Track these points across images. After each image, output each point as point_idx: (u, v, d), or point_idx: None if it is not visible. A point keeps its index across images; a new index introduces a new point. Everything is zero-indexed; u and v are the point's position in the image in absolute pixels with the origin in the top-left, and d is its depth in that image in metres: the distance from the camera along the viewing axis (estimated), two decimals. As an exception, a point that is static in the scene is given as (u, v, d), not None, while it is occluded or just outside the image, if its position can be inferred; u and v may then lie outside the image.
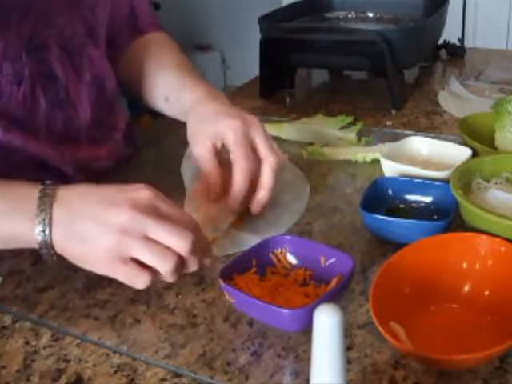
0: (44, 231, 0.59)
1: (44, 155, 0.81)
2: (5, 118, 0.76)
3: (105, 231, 0.58)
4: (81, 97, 0.85)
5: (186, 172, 0.87)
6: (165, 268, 0.58)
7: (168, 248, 0.58)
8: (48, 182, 0.63)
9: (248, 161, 0.72)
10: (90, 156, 0.88)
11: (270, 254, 0.65)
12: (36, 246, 0.60)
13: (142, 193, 0.60)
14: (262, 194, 0.73)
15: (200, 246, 0.61)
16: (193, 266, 0.61)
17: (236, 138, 0.72)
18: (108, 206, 0.59)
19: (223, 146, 0.74)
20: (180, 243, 0.58)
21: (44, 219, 0.59)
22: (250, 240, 0.70)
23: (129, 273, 0.59)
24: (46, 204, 0.60)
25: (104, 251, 0.58)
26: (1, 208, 0.62)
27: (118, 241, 0.58)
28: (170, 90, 0.87)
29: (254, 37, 1.27)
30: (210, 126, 0.74)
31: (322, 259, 0.63)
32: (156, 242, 0.58)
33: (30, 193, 0.61)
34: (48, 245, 0.60)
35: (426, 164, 0.83)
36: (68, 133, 0.84)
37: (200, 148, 0.74)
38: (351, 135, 0.99)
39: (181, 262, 0.60)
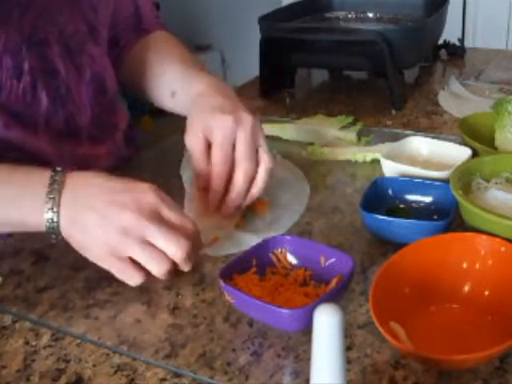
0: (52, 218, 0.62)
1: (43, 153, 0.81)
2: (5, 113, 0.76)
3: (106, 228, 0.61)
4: (81, 94, 0.85)
5: (186, 173, 0.87)
6: (158, 271, 0.62)
7: (164, 253, 0.61)
8: (58, 168, 0.65)
9: (225, 166, 0.72)
10: (90, 155, 0.88)
11: (270, 254, 0.65)
12: (43, 230, 0.63)
13: (148, 196, 0.62)
14: (229, 197, 0.73)
15: (196, 250, 0.64)
16: (185, 268, 0.65)
17: (220, 140, 0.72)
18: (113, 203, 0.61)
19: None
20: (176, 252, 0.61)
21: (53, 206, 0.62)
22: (249, 240, 0.70)
23: (124, 270, 0.62)
24: (55, 191, 0.62)
25: (102, 246, 0.61)
26: (11, 192, 0.65)
27: (118, 240, 0.60)
28: (176, 84, 0.87)
29: (254, 37, 1.26)
30: (204, 120, 0.74)
31: (322, 259, 0.63)
32: (153, 246, 0.61)
33: (39, 179, 0.64)
34: (56, 230, 0.63)
35: (426, 164, 0.83)
36: (68, 130, 0.84)
37: (192, 138, 0.74)
38: (351, 135, 0.99)
39: (174, 266, 0.63)
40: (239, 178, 0.72)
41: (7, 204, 0.65)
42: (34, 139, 0.80)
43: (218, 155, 0.72)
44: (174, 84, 0.88)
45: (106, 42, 0.93)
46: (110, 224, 0.60)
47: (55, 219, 0.62)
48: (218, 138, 0.72)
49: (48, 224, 0.62)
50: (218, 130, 0.72)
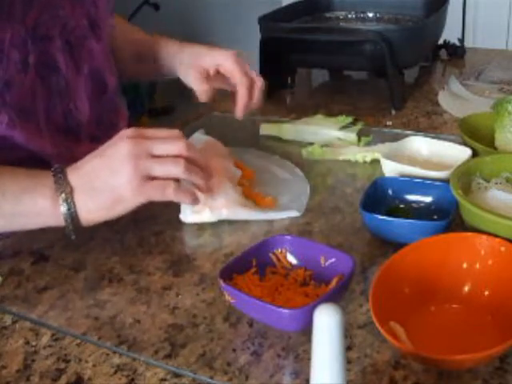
0: (67, 200, 0.66)
1: (44, 152, 0.81)
2: (11, 110, 0.77)
3: (120, 167, 0.66)
4: (79, 89, 0.86)
5: None
6: (178, 170, 0.67)
7: (172, 156, 0.68)
8: (56, 165, 0.69)
9: (247, 77, 0.88)
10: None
11: (270, 254, 0.65)
12: (60, 221, 0.67)
13: (124, 131, 0.69)
14: (251, 102, 0.89)
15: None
16: (197, 173, 0.70)
17: (234, 62, 0.88)
18: (107, 152, 0.68)
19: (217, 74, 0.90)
20: (178, 147, 0.68)
21: (64, 190, 0.66)
22: (253, 215, 0.77)
23: (157, 186, 0.67)
24: (61, 178, 0.67)
25: (128, 181, 0.66)
26: (23, 185, 0.68)
27: (134, 166, 0.66)
28: (141, 48, 1.00)
29: (254, 37, 1.26)
30: (206, 59, 0.90)
31: (322, 259, 0.63)
32: (161, 156, 0.67)
33: (43, 173, 0.68)
34: (72, 213, 0.66)
35: (426, 164, 0.83)
36: (68, 127, 0.84)
37: (194, 74, 0.89)
38: (351, 135, 0.99)
39: (188, 169, 0.68)
40: (258, 89, 0.90)
41: (22, 196, 0.67)
42: (36, 137, 0.80)
43: (239, 70, 0.88)
44: (138, 49, 1.00)
45: (107, 37, 0.93)
46: (121, 162, 0.66)
47: (69, 201, 0.66)
48: (230, 62, 0.88)
49: (64, 208, 0.66)
50: (228, 58, 0.88)
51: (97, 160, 0.68)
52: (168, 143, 0.68)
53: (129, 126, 1.01)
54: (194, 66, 0.91)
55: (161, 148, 0.67)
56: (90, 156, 0.69)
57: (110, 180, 0.66)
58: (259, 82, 0.90)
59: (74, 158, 0.84)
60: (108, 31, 0.93)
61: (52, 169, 0.68)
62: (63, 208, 0.66)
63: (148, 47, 1.00)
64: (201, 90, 0.89)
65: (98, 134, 0.90)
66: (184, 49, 0.96)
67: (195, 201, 0.71)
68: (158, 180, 0.67)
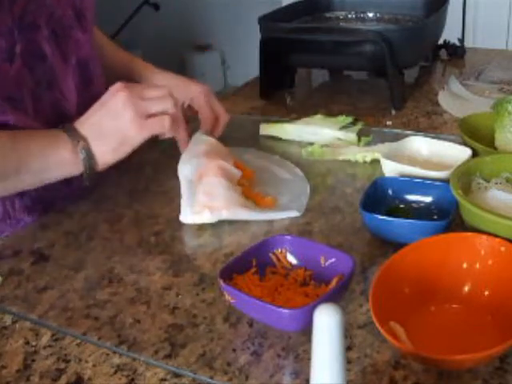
0: (84, 147, 0.76)
1: None
2: (0, 98, 0.77)
3: (122, 111, 0.77)
4: (66, 79, 0.86)
5: (182, 172, 0.87)
6: (168, 105, 0.79)
7: (161, 96, 0.80)
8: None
9: (213, 115, 0.97)
10: None
11: (270, 254, 0.65)
12: (79, 168, 0.77)
13: (114, 86, 0.79)
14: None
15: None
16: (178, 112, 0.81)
17: (204, 99, 0.97)
18: (107, 103, 0.78)
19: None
20: (164, 91, 0.81)
21: (79, 140, 0.76)
22: (253, 215, 0.78)
23: (156, 121, 0.78)
24: (73, 132, 0.77)
25: (132, 121, 0.77)
26: (45, 143, 0.76)
27: (134, 108, 0.77)
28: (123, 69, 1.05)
29: (254, 37, 1.27)
30: (183, 92, 0.96)
31: (322, 259, 0.63)
32: (153, 97, 0.79)
33: (55, 131, 0.78)
34: (90, 159, 0.77)
35: (426, 164, 0.83)
36: (57, 117, 0.85)
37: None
38: (351, 135, 0.99)
39: (176, 103, 0.81)
40: (221, 124, 0.99)
41: (46, 151, 0.76)
42: (27, 125, 0.81)
43: (207, 110, 0.97)
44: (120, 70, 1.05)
45: (92, 28, 0.94)
46: (121, 108, 0.77)
47: (86, 147, 0.76)
48: (202, 100, 0.97)
49: (83, 155, 0.76)
50: (201, 95, 0.98)
51: (99, 111, 0.78)
52: (155, 89, 0.81)
53: None
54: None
55: (151, 93, 0.80)
56: (92, 110, 0.79)
57: (115, 123, 0.77)
58: (224, 119, 0.99)
59: None
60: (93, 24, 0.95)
61: (60, 127, 0.78)
62: (81, 155, 0.76)
63: (127, 67, 1.05)
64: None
65: None
66: (157, 75, 1.03)
67: (186, 132, 0.84)
68: (155, 117, 0.78)
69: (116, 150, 0.78)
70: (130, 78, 1.01)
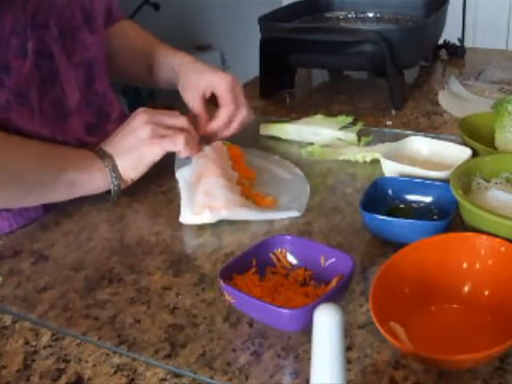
0: (111, 164, 0.82)
1: (39, 134, 0.82)
2: (10, 93, 0.78)
3: (141, 132, 0.82)
4: (69, 78, 0.87)
5: (179, 170, 0.87)
6: (182, 139, 0.83)
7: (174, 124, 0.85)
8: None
9: (233, 107, 0.92)
10: (83, 142, 0.89)
11: (270, 254, 0.65)
12: (105, 184, 0.82)
13: (137, 110, 0.85)
14: (227, 131, 0.93)
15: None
16: (194, 137, 0.86)
17: (228, 88, 0.92)
18: (130, 125, 0.84)
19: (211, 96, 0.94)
20: (181, 120, 0.86)
21: (107, 158, 0.82)
22: (253, 215, 0.78)
23: (171, 138, 0.83)
24: (101, 151, 0.83)
25: (149, 140, 0.82)
26: (81, 165, 0.81)
27: (152, 130, 0.82)
28: (152, 60, 1.03)
29: (254, 37, 1.26)
30: (205, 78, 0.93)
31: (322, 259, 0.63)
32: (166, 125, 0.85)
33: (83, 151, 0.83)
34: (116, 175, 0.82)
35: (426, 164, 0.83)
36: (58, 112, 0.86)
37: (191, 94, 0.94)
38: (351, 135, 0.99)
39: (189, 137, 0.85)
40: (238, 121, 0.93)
41: (80, 170, 0.80)
42: (30, 121, 0.81)
43: (229, 97, 0.92)
44: (149, 60, 1.04)
45: (102, 30, 0.95)
46: (140, 129, 0.83)
47: (113, 164, 0.82)
48: (224, 87, 0.92)
49: (108, 169, 0.81)
50: (223, 81, 0.92)
51: (122, 131, 0.84)
52: (172, 116, 0.86)
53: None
54: (192, 85, 0.95)
55: (167, 120, 0.85)
56: (117, 131, 0.85)
57: (135, 142, 0.82)
58: (244, 114, 0.93)
59: (67, 143, 0.85)
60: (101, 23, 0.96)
61: (89, 148, 0.84)
62: (109, 171, 0.82)
63: (147, 52, 1.04)
64: (197, 110, 0.94)
65: (92, 122, 0.91)
66: (187, 66, 0.98)
67: (198, 149, 0.86)
68: (170, 136, 0.83)
69: (136, 167, 0.83)
70: (149, 63, 1.03)
